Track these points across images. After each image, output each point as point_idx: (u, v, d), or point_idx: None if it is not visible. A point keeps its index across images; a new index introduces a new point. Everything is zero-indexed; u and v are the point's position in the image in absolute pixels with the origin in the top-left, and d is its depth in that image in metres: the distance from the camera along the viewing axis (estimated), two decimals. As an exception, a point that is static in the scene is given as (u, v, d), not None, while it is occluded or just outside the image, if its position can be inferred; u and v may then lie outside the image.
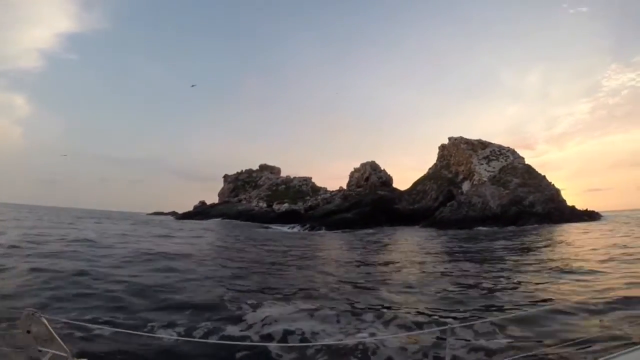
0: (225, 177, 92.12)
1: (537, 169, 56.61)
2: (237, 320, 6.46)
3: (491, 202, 49.99)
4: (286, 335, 5.58)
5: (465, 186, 60.58)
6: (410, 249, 22.14)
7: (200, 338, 5.22)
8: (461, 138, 67.87)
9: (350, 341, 4.64)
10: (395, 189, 70.61)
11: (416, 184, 73.76)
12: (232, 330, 5.89)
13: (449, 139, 71.43)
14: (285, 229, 55.25)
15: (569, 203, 51.90)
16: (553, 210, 48.55)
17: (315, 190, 73.01)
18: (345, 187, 72.03)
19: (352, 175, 71.29)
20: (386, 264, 14.86)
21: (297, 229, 54.23)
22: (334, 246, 25.43)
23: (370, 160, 73.88)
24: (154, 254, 14.71)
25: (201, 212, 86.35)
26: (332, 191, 71.20)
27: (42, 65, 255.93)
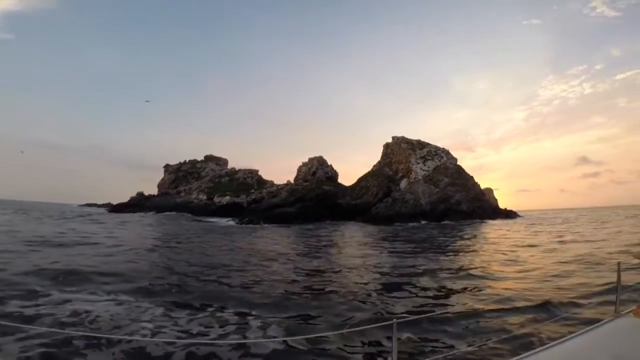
0: (167, 167, 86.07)
1: (476, 171, 62.06)
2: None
3: (422, 200, 52.94)
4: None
5: (403, 184, 63.55)
6: (322, 244, 22.32)
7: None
8: (403, 138, 70.93)
9: (293, 338, 4.50)
10: (340, 185, 71.79)
11: (360, 180, 75.75)
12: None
13: (393, 138, 74.33)
14: (223, 222, 53.35)
15: (502, 202, 57.37)
16: (477, 208, 52.91)
17: (262, 183, 71.49)
18: (293, 181, 71.57)
19: (299, 169, 71.00)
20: (268, 259, 14.65)
21: (233, 222, 52.67)
22: (254, 240, 24.77)
23: (320, 155, 74.45)
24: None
25: (136, 204, 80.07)
26: (279, 185, 70.28)
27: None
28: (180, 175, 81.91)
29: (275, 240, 24.30)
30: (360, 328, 4.79)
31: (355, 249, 18.66)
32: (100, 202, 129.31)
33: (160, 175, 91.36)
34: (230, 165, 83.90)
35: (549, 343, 2.13)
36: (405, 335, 4.96)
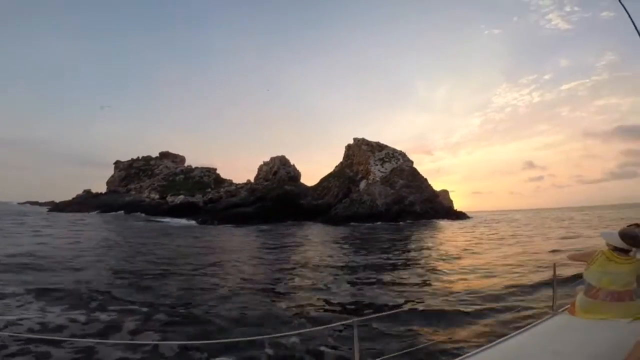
0: (117, 163, 79.90)
1: (434, 173, 65.26)
2: None
3: (378, 201, 54.30)
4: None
5: (362, 185, 64.79)
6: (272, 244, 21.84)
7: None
8: (363, 140, 72.34)
9: (253, 338, 4.46)
10: (303, 185, 71.60)
11: (322, 180, 76.09)
12: None
13: (354, 139, 75.57)
14: (174, 222, 50.73)
15: (458, 203, 60.36)
16: (430, 209, 55.29)
17: (220, 182, 69.05)
18: (253, 180, 70.00)
19: (260, 168, 69.62)
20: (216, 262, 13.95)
21: (187, 222, 50.29)
22: (201, 241, 23.59)
23: (282, 154, 73.57)
24: None
25: (82, 202, 73.70)
26: (238, 184, 68.38)
27: None
28: (132, 172, 76.57)
29: (226, 240, 23.41)
30: (321, 327, 4.78)
31: (310, 249, 18.51)
32: (43, 200, 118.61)
33: (109, 172, 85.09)
34: (189, 163, 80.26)
35: (492, 341, 2.16)
36: (366, 334, 5.06)
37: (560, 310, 2.64)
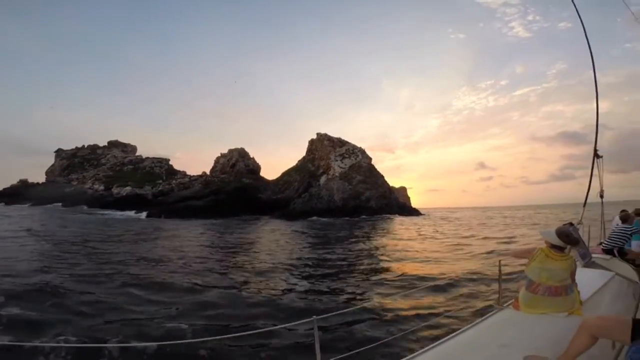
0: (59, 152, 72.49)
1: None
2: None
3: (336, 196, 54.50)
4: None
5: (323, 180, 64.72)
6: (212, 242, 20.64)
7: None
8: (325, 135, 72.15)
9: (209, 339, 4.10)
10: (263, 178, 70.06)
11: (284, 174, 75.02)
12: None
13: (317, 134, 75.18)
14: (117, 215, 47.28)
15: (415, 200, 62.14)
16: (384, 205, 56.47)
17: (172, 173, 65.41)
18: (209, 173, 67.16)
19: (217, 160, 66.92)
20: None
21: (134, 215, 47.04)
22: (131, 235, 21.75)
23: (242, 147, 71.23)
24: None
25: (14, 193, 66.33)
26: (193, 176, 65.27)
27: None
28: (75, 161, 69.97)
29: (165, 236, 21.74)
30: (280, 326, 4.65)
31: (262, 244, 17.81)
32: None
33: (52, 161, 77.23)
34: (147, 154, 75.08)
35: (443, 337, 2.21)
36: (327, 330, 5.18)
37: (506, 305, 2.73)
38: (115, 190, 55.84)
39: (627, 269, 3.88)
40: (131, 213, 47.41)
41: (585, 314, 2.43)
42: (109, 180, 59.01)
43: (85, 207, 55.69)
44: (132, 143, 78.90)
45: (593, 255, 4.12)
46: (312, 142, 77.71)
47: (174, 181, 59.34)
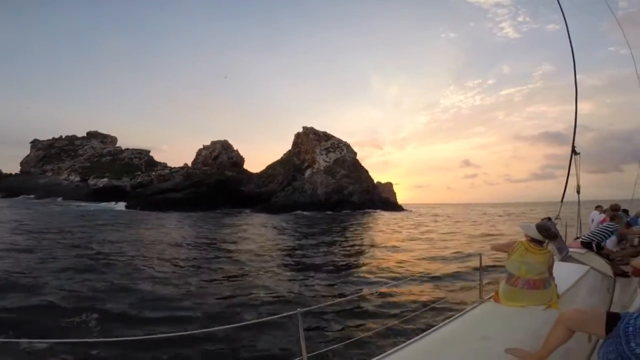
0: (35, 142, 69.49)
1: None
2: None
3: (319, 190, 54.04)
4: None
5: (307, 173, 64.12)
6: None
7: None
8: (311, 129, 71.40)
9: (200, 330, 4.03)
10: (246, 171, 68.96)
11: (269, 168, 74.13)
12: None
13: (303, 128, 74.31)
14: (92, 207, 45.79)
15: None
16: (367, 200, 56.25)
17: (152, 165, 63.71)
18: (190, 164, 65.71)
19: (199, 152, 65.45)
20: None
21: (110, 207, 45.63)
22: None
23: (225, 139, 69.76)
24: None
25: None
26: (173, 168, 63.78)
27: None
28: (52, 152, 67.37)
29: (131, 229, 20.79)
30: (264, 319, 4.67)
31: (237, 238, 17.19)
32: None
33: (27, 152, 74.27)
34: (132, 146, 72.72)
35: (427, 329, 2.24)
36: (311, 324, 5.22)
37: (487, 298, 2.76)
38: (91, 181, 54.09)
39: (601, 264, 3.98)
40: (108, 204, 45.94)
41: (562, 307, 2.45)
42: (85, 172, 57.11)
43: (59, 199, 53.87)
44: (118, 135, 76.62)
45: (570, 249, 4.17)
46: (298, 135, 76.84)
47: (153, 173, 57.75)
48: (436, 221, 35.62)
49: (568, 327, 1.70)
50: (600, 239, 4.68)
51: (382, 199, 61.11)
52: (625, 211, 6.61)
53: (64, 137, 72.55)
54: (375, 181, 66.92)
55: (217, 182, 60.43)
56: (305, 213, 46.57)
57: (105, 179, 53.25)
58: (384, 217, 41.45)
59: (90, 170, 57.59)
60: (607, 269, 3.90)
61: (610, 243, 4.89)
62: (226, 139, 66.32)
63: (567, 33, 4.87)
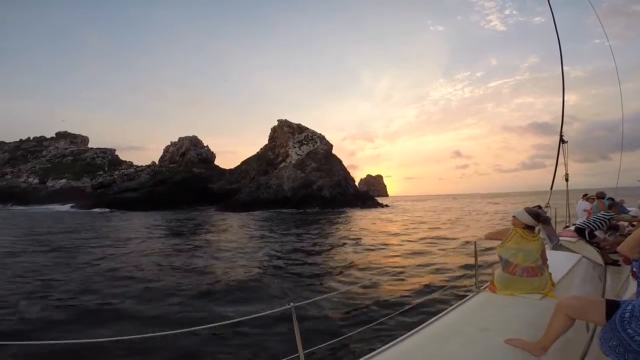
0: (0, 144, 67.71)
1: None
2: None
3: (285, 185, 50.98)
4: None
5: (280, 168, 61.19)
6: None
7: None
8: (285, 121, 68.13)
9: (187, 330, 3.04)
10: (218, 168, 66.18)
11: (243, 163, 71.32)
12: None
13: (278, 121, 71.03)
14: (37, 209, 43.56)
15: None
16: (339, 195, 52.89)
17: (117, 164, 61.18)
18: (158, 162, 63.03)
19: (166, 149, 62.72)
20: None
21: (63, 208, 43.34)
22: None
23: (194, 135, 66.83)
24: None
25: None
26: (139, 166, 61.24)
27: None
28: (18, 154, 65.30)
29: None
30: (257, 315, 3.23)
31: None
32: None
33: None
34: (119, 146, 70.23)
35: (425, 321, 2.21)
36: (305, 319, 5.14)
37: (482, 288, 2.72)
38: (50, 183, 51.75)
39: (592, 252, 4.07)
40: (53, 207, 43.56)
41: (558, 296, 2.45)
42: (45, 173, 54.84)
43: (9, 205, 51.40)
44: (108, 136, 74.42)
45: (560, 238, 4.27)
46: (274, 129, 73.73)
47: (116, 172, 55.22)
48: (422, 222, 32.39)
49: (568, 314, 1.68)
50: (594, 227, 4.66)
51: (358, 192, 57.73)
52: (612, 200, 6.09)
53: (32, 138, 70.41)
54: (366, 174, 63.80)
55: (183, 179, 57.81)
56: (268, 212, 43.66)
57: (64, 180, 50.86)
58: (351, 218, 38.07)
59: (50, 172, 55.32)
60: (597, 257, 3.94)
61: (598, 232, 4.83)
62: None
63: (553, 25, 5.02)
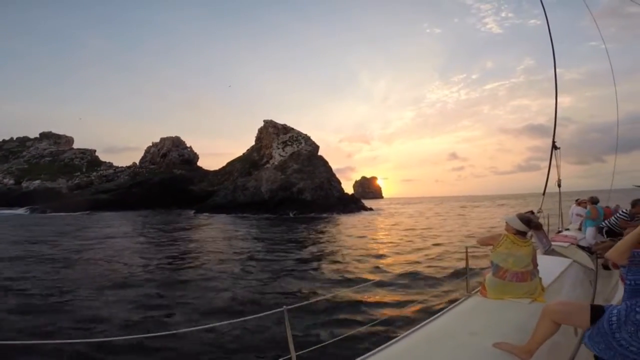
0: (-16, 144, 67.20)
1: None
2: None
3: (263, 187, 49.08)
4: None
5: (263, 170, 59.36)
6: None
7: None
8: (271, 121, 66.34)
9: (182, 331, 3.30)
10: (200, 169, 64.56)
11: (227, 165, 69.66)
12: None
13: (264, 121, 69.25)
14: (5, 213, 42.31)
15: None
16: (321, 198, 50.81)
17: (96, 165, 59.86)
18: (139, 163, 61.56)
19: (148, 150, 61.21)
20: None
21: (24, 212, 42.03)
22: None
23: (177, 135, 65.27)
24: None
25: None
26: (119, 167, 59.84)
27: None
28: (0, 155, 64.60)
29: None
30: (251, 317, 3.48)
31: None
32: None
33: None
34: (117, 147, 69.26)
35: (416, 325, 2.22)
36: (298, 321, 5.23)
37: (474, 292, 2.74)
38: (25, 184, 50.50)
39: (583, 257, 4.09)
40: (11, 210, 42.14)
41: (548, 300, 2.46)
42: (21, 174, 53.65)
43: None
44: (105, 137, 73.39)
45: (553, 243, 4.26)
46: (260, 130, 72.07)
47: (94, 173, 53.82)
48: (411, 230, 30.30)
49: (553, 319, 1.71)
50: (613, 225, 4.50)
51: (341, 195, 55.60)
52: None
53: (15, 138, 69.54)
54: (361, 176, 61.56)
55: (162, 180, 56.25)
56: (239, 215, 41.86)
57: (38, 181, 49.53)
58: (327, 225, 36.09)
59: (26, 172, 54.13)
60: (588, 261, 3.96)
61: (589, 236, 4.88)
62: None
63: (547, 28, 5.01)
